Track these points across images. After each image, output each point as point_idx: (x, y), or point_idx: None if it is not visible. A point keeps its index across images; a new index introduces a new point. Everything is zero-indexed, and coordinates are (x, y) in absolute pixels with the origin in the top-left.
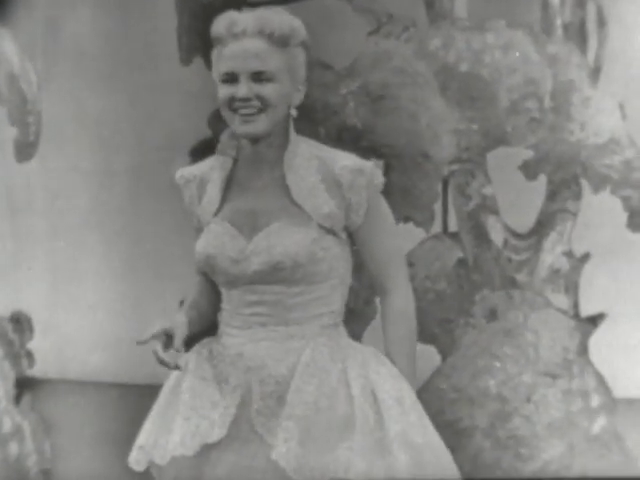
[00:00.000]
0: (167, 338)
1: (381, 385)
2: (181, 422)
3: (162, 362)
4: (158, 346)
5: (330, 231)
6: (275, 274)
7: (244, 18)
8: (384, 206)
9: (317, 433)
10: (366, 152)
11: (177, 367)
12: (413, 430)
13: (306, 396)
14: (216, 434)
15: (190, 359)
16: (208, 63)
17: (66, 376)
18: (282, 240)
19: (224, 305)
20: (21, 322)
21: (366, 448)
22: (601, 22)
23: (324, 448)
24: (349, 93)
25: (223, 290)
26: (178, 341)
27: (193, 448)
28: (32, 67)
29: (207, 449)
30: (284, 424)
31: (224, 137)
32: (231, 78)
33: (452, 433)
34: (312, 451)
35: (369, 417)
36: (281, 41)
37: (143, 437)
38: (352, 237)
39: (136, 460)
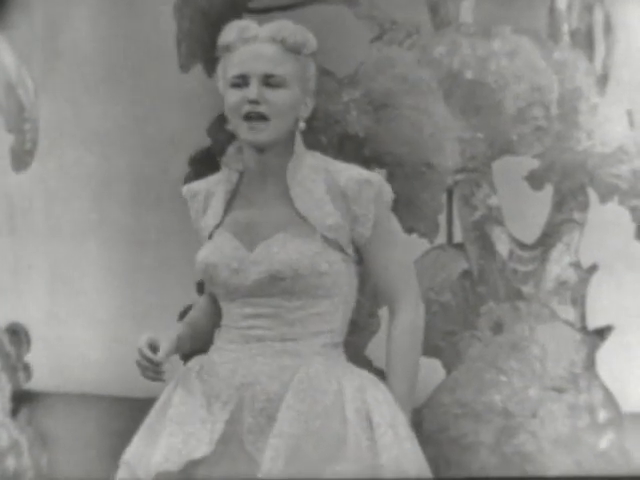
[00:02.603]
0: (152, 350)
1: (377, 410)
2: (167, 438)
3: (145, 368)
4: (145, 348)
5: (335, 245)
6: (275, 284)
7: (255, 25)
8: (394, 221)
9: (306, 453)
10: (368, 161)
11: (160, 377)
12: (407, 460)
13: (297, 414)
14: (202, 451)
15: (180, 375)
16: (208, 70)
17: (64, 389)
18: (284, 249)
19: (223, 321)
20: (18, 334)
21: (356, 473)
22: (608, 28)
23: (312, 469)
24: (351, 101)
25: (222, 305)
26: (161, 352)
27: (178, 464)
28: (29, 73)
29: (194, 466)
30: (272, 441)
31: (231, 150)
32: (241, 81)
33: (456, 449)
34: (299, 471)
35: (361, 441)
36: (294, 48)
37: (129, 453)
38: (360, 252)
39: (121, 477)
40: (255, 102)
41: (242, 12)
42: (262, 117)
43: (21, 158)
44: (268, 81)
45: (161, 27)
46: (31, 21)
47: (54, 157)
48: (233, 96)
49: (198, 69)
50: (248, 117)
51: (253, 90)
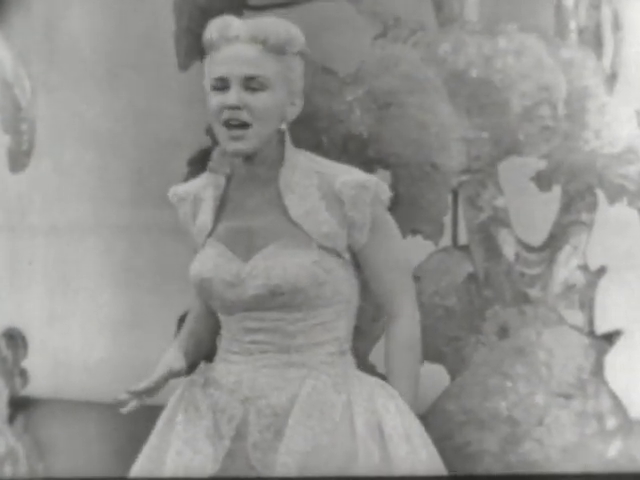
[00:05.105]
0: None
1: (389, 421)
2: (174, 455)
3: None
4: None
5: (332, 251)
6: (273, 299)
7: (238, 23)
8: (391, 223)
9: (316, 471)
10: (372, 162)
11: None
12: (424, 469)
13: (306, 431)
14: (209, 469)
15: (185, 388)
16: None
17: (61, 396)
18: (280, 263)
19: (223, 332)
20: (15, 339)
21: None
22: (616, 26)
23: None
24: (354, 100)
25: (221, 317)
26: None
27: None
28: (26, 73)
29: None
30: (282, 460)
31: (215, 154)
32: (222, 85)
33: (460, 458)
34: None
35: (374, 454)
36: (276, 48)
37: (136, 470)
38: (356, 257)
39: None
40: (235, 108)
41: (242, 9)
42: (243, 124)
43: (18, 159)
44: (249, 84)
45: (160, 25)
46: (29, 20)
47: (51, 157)
48: (213, 100)
49: (197, 67)
50: (228, 124)
51: (233, 95)
